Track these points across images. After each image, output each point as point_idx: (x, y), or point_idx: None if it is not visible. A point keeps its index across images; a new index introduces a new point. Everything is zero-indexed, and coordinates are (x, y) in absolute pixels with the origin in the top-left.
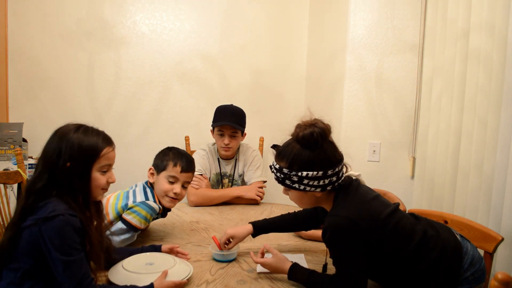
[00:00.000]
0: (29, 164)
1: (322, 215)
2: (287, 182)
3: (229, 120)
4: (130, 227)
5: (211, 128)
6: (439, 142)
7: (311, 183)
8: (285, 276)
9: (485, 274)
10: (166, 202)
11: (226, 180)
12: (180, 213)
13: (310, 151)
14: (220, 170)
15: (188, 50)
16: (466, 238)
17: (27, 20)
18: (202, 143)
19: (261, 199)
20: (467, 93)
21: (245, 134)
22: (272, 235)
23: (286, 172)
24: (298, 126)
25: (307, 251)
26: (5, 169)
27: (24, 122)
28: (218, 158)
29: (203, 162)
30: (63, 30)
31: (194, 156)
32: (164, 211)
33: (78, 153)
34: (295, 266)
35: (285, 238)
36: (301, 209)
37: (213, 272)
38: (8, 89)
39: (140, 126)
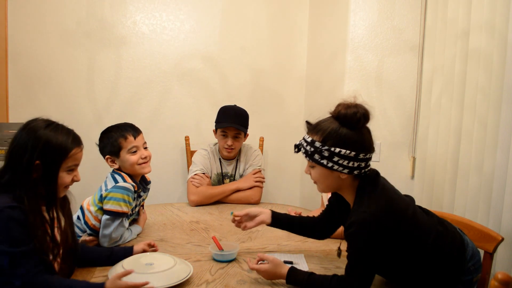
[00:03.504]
0: None
1: (334, 221)
2: (316, 156)
3: (233, 121)
4: (113, 214)
5: (214, 128)
6: (439, 142)
7: (340, 161)
8: None
9: (481, 265)
10: (141, 169)
11: (227, 180)
12: (180, 213)
13: (348, 130)
14: (222, 170)
15: (188, 50)
16: (462, 231)
17: (27, 20)
18: (202, 143)
19: (262, 183)
20: (467, 93)
21: (247, 135)
22: (272, 235)
23: (318, 146)
24: (340, 105)
25: (307, 251)
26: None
27: (24, 122)
28: (220, 158)
29: (205, 162)
30: (63, 30)
31: (195, 155)
32: (144, 186)
33: (47, 151)
34: (293, 270)
35: (285, 238)
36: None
37: (213, 272)
38: (8, 89)
39: (140, 126)
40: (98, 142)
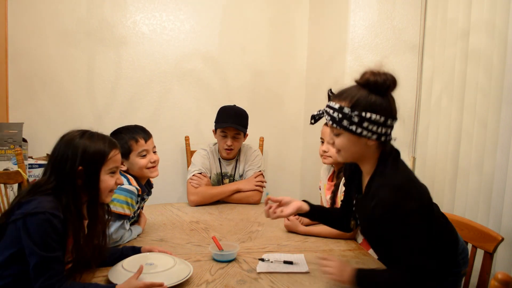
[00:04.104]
0: (29, 164)
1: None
2: (345, 122)
3: (233, 121)
4: (115, 216)
5: (214, 128)
6: (439, 142)
7: (370, 127)
8: (285, 275)
9: (468, 260)
10: (150, 173)
11: (227, 180)
12: (180, 213)
13: (377, 96)
14: (221, 170)
15: (188, 50)
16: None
17: (27, 20)
18: (202, 143)
19: (262, 188)
20: (467, 93)
21: (247, 135)
22: (272, 235)
23: (347, 112)
24: (367, 73)
25: (307, 251)
26: (5, 169)
27: (24, 122)
28: (219, 158)
29: (204, 162)
30: (63, 30)
31: (195, 155)
32: (148, 190)
33: (87, 157)
34: (361, 269)
35: (285, 238)
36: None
37: (213, 272)
38: (8, 89)
39: None
40: None
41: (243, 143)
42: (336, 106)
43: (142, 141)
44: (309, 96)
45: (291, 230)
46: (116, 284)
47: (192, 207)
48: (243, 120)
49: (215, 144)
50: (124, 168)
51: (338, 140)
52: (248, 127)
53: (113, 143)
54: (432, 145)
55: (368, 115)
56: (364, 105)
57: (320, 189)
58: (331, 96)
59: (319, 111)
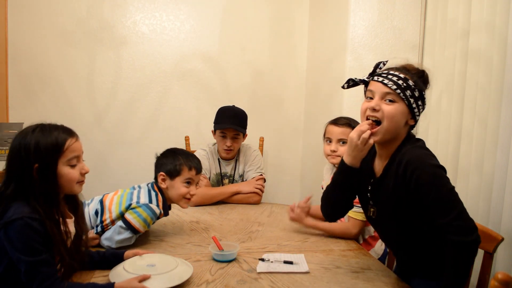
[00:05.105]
0: None
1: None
2: (408, 92)
3: (232, 122)
4: (129, 227)
5: (213, 129)
6: (439, 142)
7: (420, 107)
8: (285, 275)
9: None
10: (183, 204)
11: (226, 181)
12: (180, 213)
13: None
14: (221, 171)
15: (188, 50)
16: None
17: (27, 20)
18: (202, 143)
19: (262, 192)
20: (467, 93)
21: (246, 135)
22: (272, 235)
23: (411, 84)
24: (414, 65)
25: (307, 251)
26: (5, 169)
27: (24, 122)
28: (219, 159)
29: (203, 162)
30: (63, 30)
31: None
32: (166, 212)
33: (40, 152)
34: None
35: (285, 238)
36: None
37: (213, 272)
38: (8, 89)
39: (140, 126)
40: (158, 154)
41: (242, 143)
42: (402, 75)
43: (194, 172)
44: (309, 96)
45: (296, 221)
46: (115, 283)
47: (192, 207)
48: (242, 121)
49: (215, 144)
50: (164, 186)
51: (389, 107)
52: (248, 127)
53: (69, 131)
54: (432, 145)
55: (424, 96)
56: (421, 87)
57: (322, 188)
58: (390, 68)
59: (356, 78)
